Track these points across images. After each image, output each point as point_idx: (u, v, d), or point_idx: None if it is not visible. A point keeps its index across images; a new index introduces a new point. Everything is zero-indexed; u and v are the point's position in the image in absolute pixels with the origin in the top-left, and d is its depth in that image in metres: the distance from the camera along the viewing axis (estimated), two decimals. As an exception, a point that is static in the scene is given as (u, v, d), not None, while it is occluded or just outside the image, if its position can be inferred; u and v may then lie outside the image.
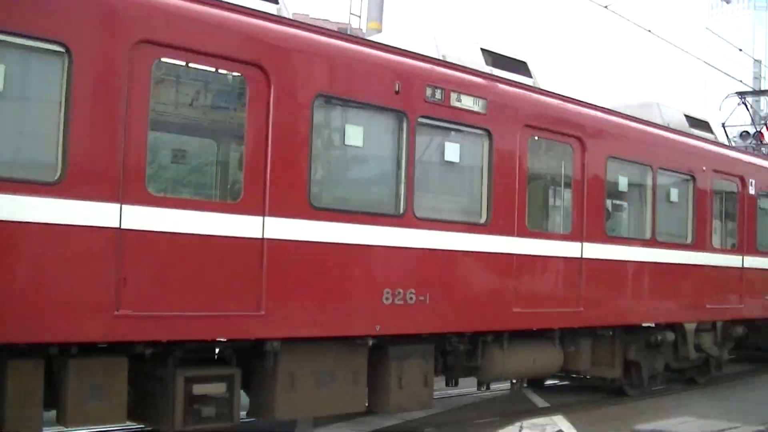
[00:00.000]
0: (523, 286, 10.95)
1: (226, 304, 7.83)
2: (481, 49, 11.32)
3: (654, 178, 13.59)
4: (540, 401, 13.26)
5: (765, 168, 17.29)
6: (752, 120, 23.39)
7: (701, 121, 16.04)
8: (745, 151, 17.96)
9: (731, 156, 16.33)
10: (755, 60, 34.09)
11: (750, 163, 16.85)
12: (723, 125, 21.07)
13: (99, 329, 7.04)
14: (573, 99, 12.32)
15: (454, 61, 10.52)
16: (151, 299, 7.29)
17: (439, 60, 10.27)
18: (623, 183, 13.19)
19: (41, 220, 6.70)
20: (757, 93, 25.69)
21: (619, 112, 13.20)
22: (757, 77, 33.35)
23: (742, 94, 23.88)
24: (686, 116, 15.53)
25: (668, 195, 14.13)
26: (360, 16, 16.82)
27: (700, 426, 5.78)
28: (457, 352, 10.73)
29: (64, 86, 6.86)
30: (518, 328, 11.13)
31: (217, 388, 8.05)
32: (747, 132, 25.14)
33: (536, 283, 11.24)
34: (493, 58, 11.37)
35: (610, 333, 13.00)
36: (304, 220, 8.43)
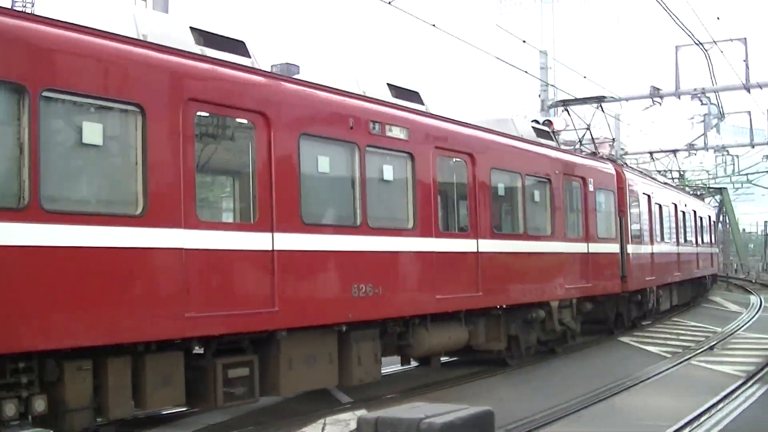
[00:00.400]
0: (441, 276, 13.66)
1: (252, 303, 10.05)
2: (387, 84, 13.79)
3: (523, 183, 16.68)
4: (344, 397, 13.71)
5: (599, 170, 20.96)
6: (573, 125, 27.16)
7: (544, 130, 19.41)
8: (585, 156, 21.64)
9: (576, 161, 19.84)
10: (540, 51, 36.35)
11: (589, 165, 20.45)
12: (552, 131, 24.77)
13: (175, 328, 9.14)
14: (465, 123, 15.19)
15: (373, 96, 13.02)
16: (206, 302, 9.41)
17: (376, 99, 12.81)
18: (502, 188, 16.20)
19: (131, 245, 8.71)
20: (580, 101, 29.64)
21: (498, 131, 16.21)
22: (544, 67, 35.47)
23: (565, 102, 27.75)
24: (533, 128, 18.81)
25: (533, 196, 17.30)
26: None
27: (424, 410, 6.71)
28: (393, 333, 13.29)
29: (140, 138, 8.89)
30: (440, 311, 13.85)
31: (244, 372, 10.25)
32: (537, 121, 29.05)
33: (450, 274, 13.96)
34: (396, 90, 13.82)
35: (499, 313, 15.96)
36: (299, 233, 10.76)
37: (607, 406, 13.13)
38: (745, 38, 31.94)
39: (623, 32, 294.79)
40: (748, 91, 32.43)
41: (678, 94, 33.68)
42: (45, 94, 8.08)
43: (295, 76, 11.55)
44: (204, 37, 10.51)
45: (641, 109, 36.15)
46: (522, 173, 16.64)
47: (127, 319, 8.62)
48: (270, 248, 10.30)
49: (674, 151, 53.35)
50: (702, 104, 37.95)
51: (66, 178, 8.52)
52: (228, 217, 10.94)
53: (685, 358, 18.40)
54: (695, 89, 33.74)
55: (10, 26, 8.03)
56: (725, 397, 13.26)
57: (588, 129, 25.45)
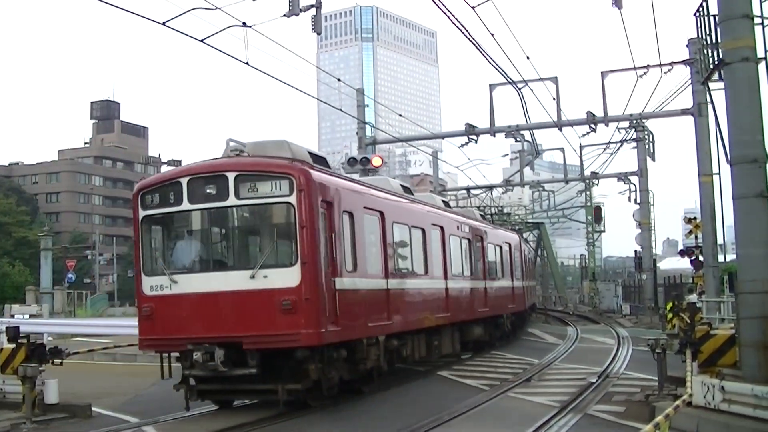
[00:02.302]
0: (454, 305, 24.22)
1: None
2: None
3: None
4: (132, 418, 14.98)
5: (516, 238, 37.65)
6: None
7: (407, 187, 24.01)
8: (510, 230, 36.17)
9: (514, 236, 35.47)
10: (357, 90, 38.18)
11: (515, 237, 38.36)
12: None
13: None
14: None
15: None
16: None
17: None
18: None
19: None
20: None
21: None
22: (361, 105, 37.27)
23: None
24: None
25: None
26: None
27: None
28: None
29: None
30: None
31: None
32: (354, 158, 33.61)
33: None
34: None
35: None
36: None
37: (422, 441, 13.75)
38: (556, 77, 34.58)
39: (443, 72, 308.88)
40: (560, 129, 35.57)
41: (492, 132, 36.43)
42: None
43: None
44: None
45: (458, 146, 38.88)
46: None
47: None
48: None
49: (491, 187, 56.73)
50: (516, 141, 42.55)
51: None
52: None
53: (502, 390, 19.10)
54: (509, 126, 36.65)
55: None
56: (540, 427, 14.10)
57: (501, 208, 35.03)
